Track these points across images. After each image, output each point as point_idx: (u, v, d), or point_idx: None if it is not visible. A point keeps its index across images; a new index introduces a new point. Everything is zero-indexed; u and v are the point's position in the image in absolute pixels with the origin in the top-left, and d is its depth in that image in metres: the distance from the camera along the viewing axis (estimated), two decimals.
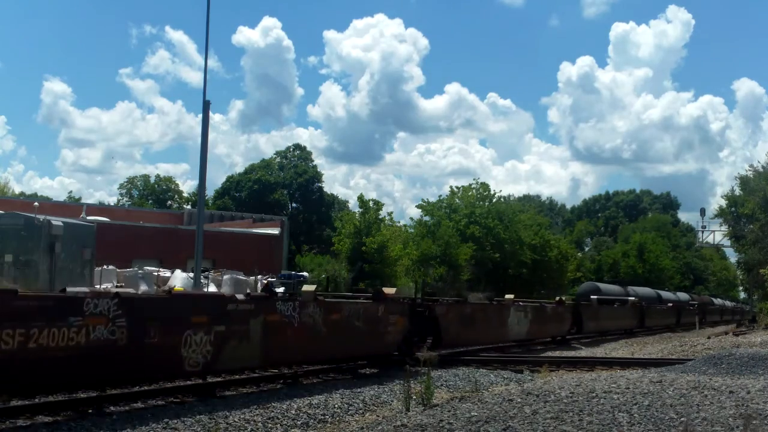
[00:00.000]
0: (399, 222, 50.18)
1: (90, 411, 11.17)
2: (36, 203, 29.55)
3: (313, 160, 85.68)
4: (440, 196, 55.61)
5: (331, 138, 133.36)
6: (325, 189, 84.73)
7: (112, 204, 78.34)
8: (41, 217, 20.93)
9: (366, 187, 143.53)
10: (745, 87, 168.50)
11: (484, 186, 54.60)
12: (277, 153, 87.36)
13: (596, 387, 12.65)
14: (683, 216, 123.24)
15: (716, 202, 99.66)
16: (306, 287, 17.19)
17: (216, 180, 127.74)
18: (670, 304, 53.32)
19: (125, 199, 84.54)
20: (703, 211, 56.55)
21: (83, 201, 71.58)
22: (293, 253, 53.09)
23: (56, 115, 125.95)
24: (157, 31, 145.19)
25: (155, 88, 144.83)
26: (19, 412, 10.66)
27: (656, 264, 76.34)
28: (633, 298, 44.83)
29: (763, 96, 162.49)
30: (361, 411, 12.73)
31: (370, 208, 42.45)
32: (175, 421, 10.80)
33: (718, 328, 49.53)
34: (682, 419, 9.81)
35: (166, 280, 27.19)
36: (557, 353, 25.63)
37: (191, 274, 24.75)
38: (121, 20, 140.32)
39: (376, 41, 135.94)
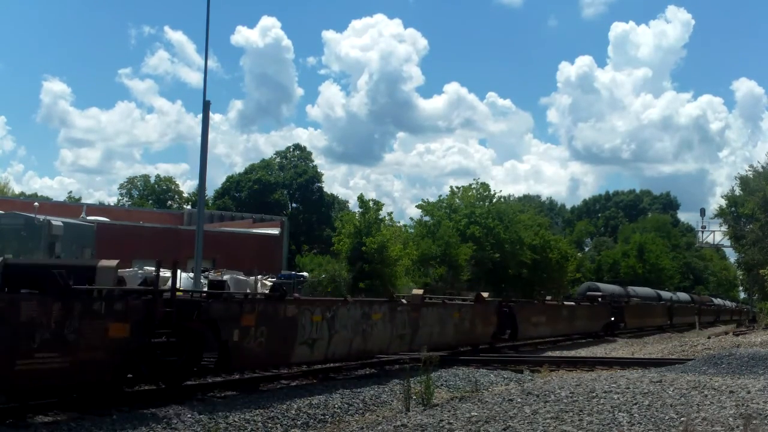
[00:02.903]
0: (399, 222, 50.06)
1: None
2: (36, 203, 29.57)
3: (312, 160, 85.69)
4: (440, 196, 55.51)
5: (330, 138, 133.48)
6: (324, 189, 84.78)
7: (112, 204, 78.44)
8: (41, 217, 20.95)
9: (366, 187, 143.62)
10: (744, 87, 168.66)
11: (484, 186, 54.46)
12: (277, 153, 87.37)
13: (596, 387, 12.65)
14: (683, 216, 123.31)
15: (716, 202, 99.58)
16: (415, 291, 22.31)
17: (216, 180, 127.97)
18: (694, 304, 57.92)
19: (125, 199, 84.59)
20: (703, 211, 56.54)
21: (83, 201, 71.66)
22: (293, 253, 53.04)
23: (56, 115, 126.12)
24: (156, 31, 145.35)
25: (155, 88, 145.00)
26: None
27: (656, 264, 76.25)
28: (662, 301, 49.86)
29: (762, 96, 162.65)
30: (361, 411, 12.72)
31: (370, 208, 42.32)
32: (175, 421, 10.77)
33: (719, 328, 49.56)
34: (682, 419, 9.81)
35: (166, 280, 27.13)
36: (557, 353, 25.65)
37: (191, 275, 24.73)
38: (120, 20, 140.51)
39: (375, 41, 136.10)
